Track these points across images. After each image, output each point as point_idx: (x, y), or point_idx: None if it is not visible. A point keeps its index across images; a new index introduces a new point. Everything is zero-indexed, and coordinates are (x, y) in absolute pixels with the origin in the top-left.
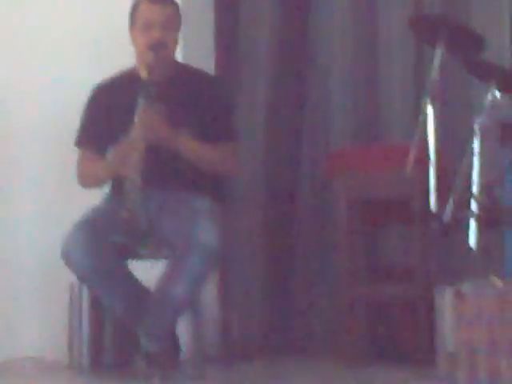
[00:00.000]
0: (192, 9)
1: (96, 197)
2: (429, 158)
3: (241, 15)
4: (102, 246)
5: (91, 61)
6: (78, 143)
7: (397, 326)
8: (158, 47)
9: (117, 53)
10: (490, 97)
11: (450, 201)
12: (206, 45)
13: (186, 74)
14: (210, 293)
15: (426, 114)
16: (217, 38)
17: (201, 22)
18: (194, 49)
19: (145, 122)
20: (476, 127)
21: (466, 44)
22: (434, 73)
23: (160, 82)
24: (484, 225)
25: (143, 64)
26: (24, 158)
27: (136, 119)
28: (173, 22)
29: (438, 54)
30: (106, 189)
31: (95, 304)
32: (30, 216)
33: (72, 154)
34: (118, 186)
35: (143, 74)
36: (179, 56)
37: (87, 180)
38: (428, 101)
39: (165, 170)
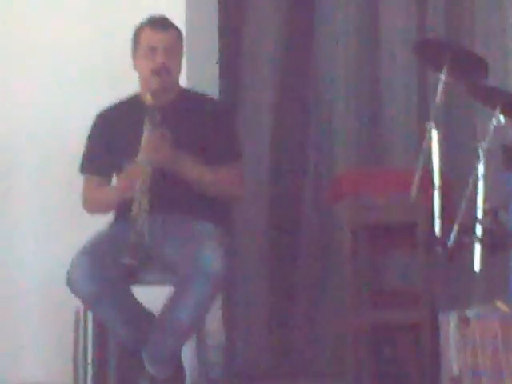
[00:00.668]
0: (196, 34)
1: (102, 221)
2: (433, 183)
3: (245, 39)
4: (106, 272)
5: (91, 89)
6: (82, 169)
7: (401, 350)
8: (162, 72)
9: (116, 80)
10: (494, 121)
11: (455, 225)
12: (211, 70)
13: (189, 98)
14: (214, 317)
15: (431, 139)
16: (221, 62)
17: (205, 46)
18: (199, 74)
19: (151, 146)
20: (480, 151)
21: (470, 69)
22: (438, 97)
23: (164, 106)
24: (488, 249)
25: (147, 89)
26: (30, 184)
27: (142, 144)
28: (176, 47)
29: (442, 79)
30: (111, 214)
31: (100, 329)
32: (35, 241)
33: (77, 180)
34: (124, 210)
35: (148, 99)
36: (184, 81)
37: (94, 205)
38: (432, 125)
39: (170, 195)
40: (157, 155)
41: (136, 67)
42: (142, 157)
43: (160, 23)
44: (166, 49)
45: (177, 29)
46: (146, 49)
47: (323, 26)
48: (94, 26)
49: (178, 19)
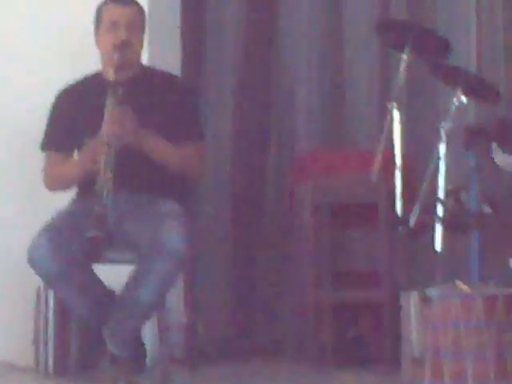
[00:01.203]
0: (158, 11)
1: (62, 200)
2: (395, 163)
3: (207, 17)
4: (67, 250)
5: (53, 66)
6: (44, 146)
7: (363, 330)
8: (124, 47)
9: (78, 57)
10: (455, 101)
11: (416, 205)
12: (172, 47)
13: (152, 75)
14: (175, 297)
15: (392, 119)
16: (183, 40)
17: (167, 24)
18: (160, 51)
19: (113, 120)
20: (441, 131)
21: (432, 48)
22: (400, 77)
23: (126, 82)
24: (450, 229)
25: (109, 65)
26: None
27: (105, 118)
28: (137, 22)
29: (404, 58)
30: (71, 193)
31: (61, 308)
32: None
33: (38, 157)
34: (86, 187)
35: (110, 74)
36: (145, 59)
37: (55, 182)
38: (394, 105)
39: (133, 172)
40: (119, 129)
41: (98, 43)
42: (104, 131)
43: None
44: (128, 24)
45: (138, 4)
46: (107, 24)
47: (286, 6)
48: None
49: None
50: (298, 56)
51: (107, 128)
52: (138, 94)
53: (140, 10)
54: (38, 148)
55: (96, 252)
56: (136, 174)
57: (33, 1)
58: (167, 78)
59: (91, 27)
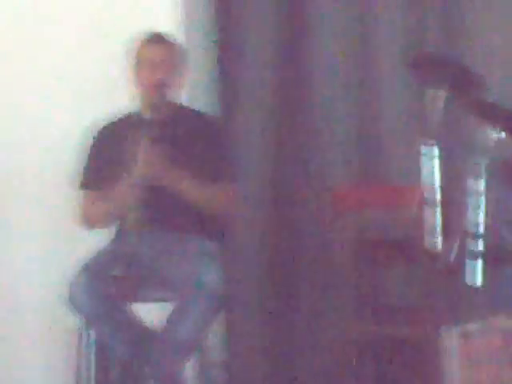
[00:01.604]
0: (195, 52)
1: (101, 239)
2: (434, 198)
3: (244, 58)
4: (105, 289)
5: (90, 108)
6: (82, 185)
7: (402, 367)
8: (161, 87)
9: (115, 96)
10: (493, 137)
11: (456, 241)
12: (210, 88)
13: (187, 115)
14: (215, 335)
15: (430, 155)
16: (220, 80)
17: (204, 65)
18: (198, 91)
19: (147, 160)
20: (481, 167)
21: (469, 85)
22: (436, 113)
23: (162, 122)
24: (490, 264)
25: (145, 104)
26: (26, 202)
27: (138, 157)
28: (176, 62)
29: (440, 95)
30: (111, 231)
31: (102, 347)
32: (37, 256)
33: (71, 194)
34: (122, 228)
35: (146, 113)
36: (184, 99)
37: (92, 220)
38: (431, 141)
39: (165, 211)
40: (152, 169)
41: (135, 82)
42: (137, 170)
43: (159, 38)
44: (166, 64)
45: (178, 45)
46: (145, 63)
47: (315, 49)
48: (84, 42)
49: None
50: (331, 91)
51: (140, 168)
52: (173, 134)
53: (179, 49)
54: (73, 184)
55: (132, 291)
56: (170, 212)
57: (73, 36)
58: (202, 118)
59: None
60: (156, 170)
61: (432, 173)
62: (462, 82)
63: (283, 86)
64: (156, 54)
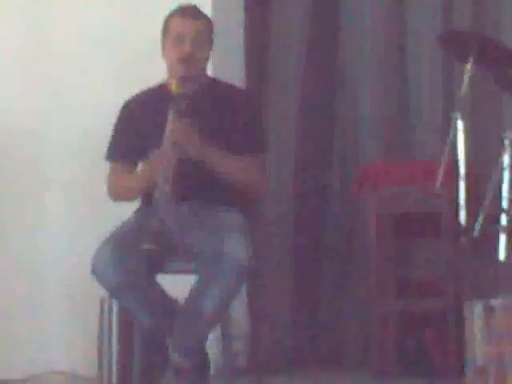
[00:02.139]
0: (222, 25)
1: (126, 210)
2: (459, 173)
3: (270, 32)
4: (130, 261)
5: (118, 78)
6: (108, 156)
7: (426, 339)
8: (189, 60)
9: (144, 68)
10: None
11: (480, 215)
12: (236, 60)
13: (215, 88)
14: (239, 307)
15: (456, 129)
16: (247, 52)
17: (231, 36)
18: (225, 64)
19: (175, 133)
20: (506, 141)
21: (497, 58)
22: (464, 87)
23: (190, 95)
24: None
25: (174, 77)
26: (54, 173)
27: (167, 130)
28: (204, 35)
29: (468, 69)
30: (136, 203)
31: (125, 318)
32: (59, 230)
33: (102, 168)
34: (148, 199)
35: (174, 87)
36: (209, 71)
37: (118, 193)
38: (458, 115)
39: (196, 183)
40: (181, 142)
41: (164, 55)
42: (166, 143)
43: (189, 12)
44: (194, 37)
45: (207, 18)
46: (174, 37)
47: (349, 16)
48: (123, 15)
49: (205, 10)
50: (361, 69)
51: (169, 140)
52: (202, 106)
53: (207, 23)
54: (102, 158)
55: (157, 264)
56: (199, 185)
57: (101, 12)
58: (231, 90)
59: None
60: (184, 142)
61: (458, 147)
62: (489, 55)
63: (314, 59)
64: (185, 27)
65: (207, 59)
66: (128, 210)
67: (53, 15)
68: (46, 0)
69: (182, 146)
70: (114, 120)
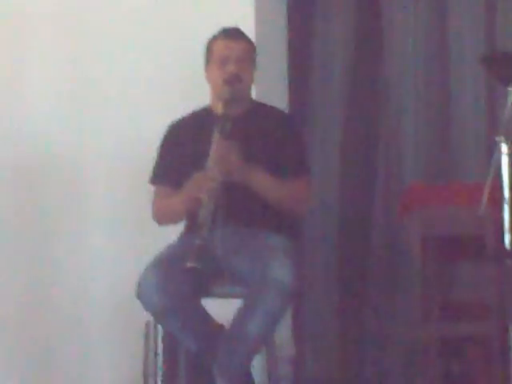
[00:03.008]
0: (265, 48)
1: (171, 234)
2: (503, 196)
3: (314, 54)
4: (176, 284)
5: (162, 102)
6: (153, 180)
7: (470, 363)
8: (234, 81)
9: (188, 93)
10: None
11: None
12: (280, 84)
13: (259, 110)
14: (284, 330)
15: (500, 152)
16: (290, 76)
17: (274, 60)
18: (268, 87)
19: (220, 154)
20: None
21: None
22: (508, 111)
23: (235, 117)
24: None
25: (219, 99)
26: (98, 196)
27: (211, 152)
28: (247, 57)
29: (511, 91)
30: (180, 227)
31: (170, 341)
32: (106, 253)
33: (146, 192)
34: (193, 223)
35: (218, 108)
36: (253, 94)
37: (163, 216)
38: (502, 138)
39: (240, 206)
40: (225, 163)
41: (208, 77)
42: (210, 164)
43: (233, 34)
44: (238, 59)
45: (249, 40)
46: (218, 58)
47: (392, 39)
48: (165, 40)
49: (248, 33)
50: (404, 89)
51: (213, 162)
52: (246, 129)
53: (250, 44)
54: (147, 182)
55: (203, 286)
56: (243, 207)
57: (145, 37)
58: (274, 113)
59: (202, 62)
60: (228, 164)
61: (502, 170)
62: None
63: (357, 82)
64: (229, 49)
65: (251, 81)
66: (173, 233)
67: (92, 41)
68: (84, 27)
69: (226, 166)
70: (155, 145)
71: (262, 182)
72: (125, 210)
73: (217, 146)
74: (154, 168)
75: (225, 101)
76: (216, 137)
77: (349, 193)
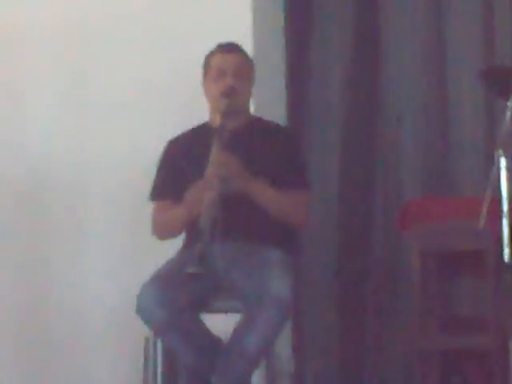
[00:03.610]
0: (263, 64)
1: (169, 249)
2: (502, 210)
3: (312, 69)
4: (175, 299)
5: (159, 118)
6: (153, 196)
7: (470, 378)
8: (231, 93)
9: (184, 110)
10: None
11: None
12: (278, 99)
13: (258, 124)
14: (283, 345)
15: (499, 166)
16: (288, 90)
17: (272, 76)
18: (266, 103)
19: (218, 161)
20: None
21: None
22: (506, 124)
23: (233, 130)
24: None
25: (216, 112)
26: (96, 214)
27: (210, 159)
28: (245, 70)
29: (509, 106)
30: (179, 242)
31: (170, 357)
32: (105, 267)
33: (146, 208)
34: (191, 237)
35: (216, 121)
36: (251, 108)
37: (162, 229)
38: (500, 152)
39: (237, 221)
40: (224, 172)
41: (206, 92)
42: (209, 173)
43: (229, 48)
44: (235, 72)
45: (246, 54)
46: (215, 72)
47: (390, 55)
48: (161, 56)
49: (246, 48)
50: (402, 103)
51: (212, 170)
52: (245, 142)
53: (247, 58)
54: (144, 199)
55: (201, 303)
56: (242, 222)
57: (140, 53)
58: (274, 127)
59: (199, 77)
60: (227, 173)
61: (501, 184)
62: None
63: (354, 97)
64: (225, 62)
65: (249, 94)
66: (171, 248)
67: (93, 63)
68: (86, 48)
69: (225, 173)
70: (155, 154)
71: (262, 192)
72: (120, 226)
73: (215, 154)
74: (153, 185)
75: (222, 113)
76: (214, 146)
77: (348, 207)
